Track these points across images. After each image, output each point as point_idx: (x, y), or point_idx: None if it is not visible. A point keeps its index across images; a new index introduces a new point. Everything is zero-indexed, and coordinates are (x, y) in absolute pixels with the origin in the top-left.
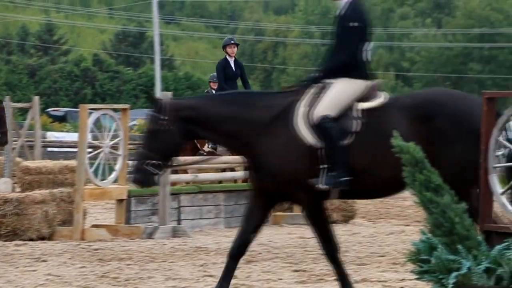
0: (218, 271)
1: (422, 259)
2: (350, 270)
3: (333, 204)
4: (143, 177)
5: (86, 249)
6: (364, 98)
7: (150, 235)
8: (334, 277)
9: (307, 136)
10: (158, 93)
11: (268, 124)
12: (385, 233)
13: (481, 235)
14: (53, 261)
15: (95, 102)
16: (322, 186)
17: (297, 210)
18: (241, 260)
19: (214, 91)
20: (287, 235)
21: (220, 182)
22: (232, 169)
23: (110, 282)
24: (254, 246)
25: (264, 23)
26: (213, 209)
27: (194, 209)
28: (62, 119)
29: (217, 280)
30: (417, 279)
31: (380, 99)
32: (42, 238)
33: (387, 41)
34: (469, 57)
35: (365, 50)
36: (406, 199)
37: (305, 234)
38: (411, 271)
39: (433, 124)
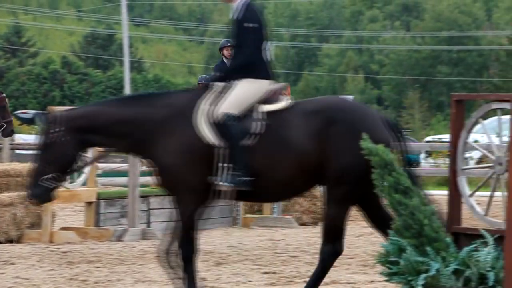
0: None
1: (391, 261)
2: None
3: (302, 207)
4: (40, 192)
5: (55, 251)
6: (267, 100)
7: (119, 238)
8: (304, 279)
9: (208, 134)
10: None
11: (167, 122)
12: (355, 235)
13: (449, 237)
14: (21, 264)
15: (63, 105)
16: (223, 184)
17: (267, 212)
18: (211, 262)
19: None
20: (256, 237)
21: None
22: None
23: (79, 285)
24: (223, 249)
25: None
26: None
27: (163, 212)
28: (30, 121)
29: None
30: (386, 281)
31: (283, 102)
32: (10, 241)
33: (356, 44)
34: (438, 59)
35: (265, 50)
36: None
37: (275, 236)
38: (380, 273)
39: (332, 128)
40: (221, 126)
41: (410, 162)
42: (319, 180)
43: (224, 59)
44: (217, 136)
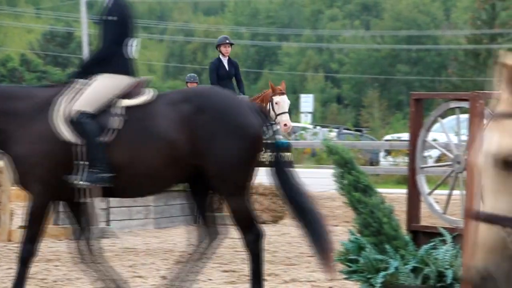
0: (147, 271)
1: (350, 259)
2: (280, 270)
3: (262, 205)
4: None
5: (13, 250)
6: (127, 95)
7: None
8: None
9: (64, 132)
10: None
11: (26, 115)
12: None
13: (408, 235)
14: None
15: None
16: (81, 183)
17: (226, 211)
18: (171, 261)
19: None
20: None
21: None
22: None
23: (38, 284)
24: (184, 247)
25: (193, 24)
26: (142, 209)
27: (123, 210)
28: None
29: (146, 280)
30: (345, 279)
31: (145, 96)
32: None
33: (316, 43)
34: (397, 58)
35: (129, 46)
36: (335, 200)
37: (234, 234)
38: (340, 271)
39: (198, 118)
40: (76, 123)
41: (280, 147)
42: (193, 170)
43: (220, 56)
44: (73, 133)
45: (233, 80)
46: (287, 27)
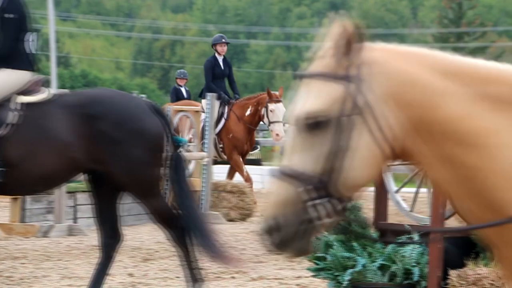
0: (114, 269)
1: (318, 257)
2: (248, 267)
3: (230, 203)
4: None
5: None
6: (26, 91)
7: (45, 234)
8: (232, 275)
9: None
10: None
11: None
12: None
13: (375, 233)
14: None
15: None
16: None
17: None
18: (138, 258)
19: (182, 88)
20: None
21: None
22: None
23: (4, 281)
24: (151, 245)
25: (161, 21)
26: None
27: (90, 208)
28: None
29: (114, 278)
30: (313, 276)
31: (43, 94)
32: None
33: (284, 41)
34: None
35: (27, 41)
36: None
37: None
38: (307, 269)
39: (97, 124)
40: None
41: (179, 144)
42: (79, 170)
43: (216, 54)
44: None
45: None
46: (255, 25)
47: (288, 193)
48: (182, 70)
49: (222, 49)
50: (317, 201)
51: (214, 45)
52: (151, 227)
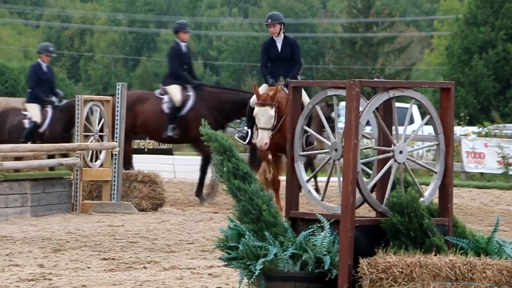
0: (24, 260)
1: (230, 246)
2: (159, 257)
3: (142, 192)
4: None
5: None
6: None
7: None
8: (143, 265)
9: None
10: None
11: None
12: (194, 220)
13: (287, 222)
14: None
15: None
16: None
17: (106, 198)
18: (48, 249)
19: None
20: (95, 223)
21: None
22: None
23: None
24: (62, 235)
25: (70, 10)
26: (19, 197)
27: None
28: None
29: (23, 269)
30: (225, 265)
31: None
32: None
33: (194, 30)
34: None
35: None
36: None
37: (114, 222)
38: (220, 258)
39: None
40: None
41: None
42: None
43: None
44: None
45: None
46: (165, 14)
47: None
48: (183, 21)
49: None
50: None
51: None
52: (62, 217)
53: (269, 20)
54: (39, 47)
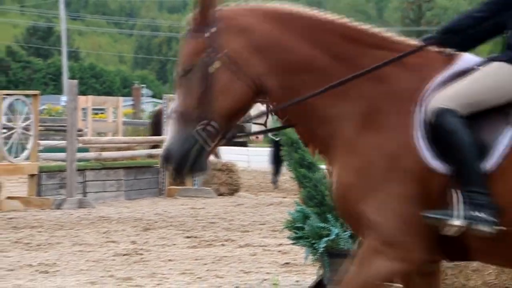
0: (119, 237)
1: (297, 227)
2: (236, 236)
3: (220, 179)
4: None
5: (1, 218)
6: None
7: (58, 206)
8: (222, 242)
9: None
10: (65, 81)
11: None
12: (266, 204)
13: None
14: None
15: (8, 89)
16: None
17: (189, 184)
18: (139, 228)
19: None
20: (180, 206)
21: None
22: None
23: (23, 247)
24: (151, 216)
25: (159, 20)
26: (114, 183)
27: (98, 183)
28: None
29: (118, 245)
30: (293, 244)
31: None
32: None
33: None
34: None
35: None
36: (283, 174)
37: (196, 205)
38: (288, 237)
39: None
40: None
41: None
42: None
43: None
44: None
45: None
46: None
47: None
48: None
49: None
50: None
51: None
52: (151, 200)
53: None
54: None
